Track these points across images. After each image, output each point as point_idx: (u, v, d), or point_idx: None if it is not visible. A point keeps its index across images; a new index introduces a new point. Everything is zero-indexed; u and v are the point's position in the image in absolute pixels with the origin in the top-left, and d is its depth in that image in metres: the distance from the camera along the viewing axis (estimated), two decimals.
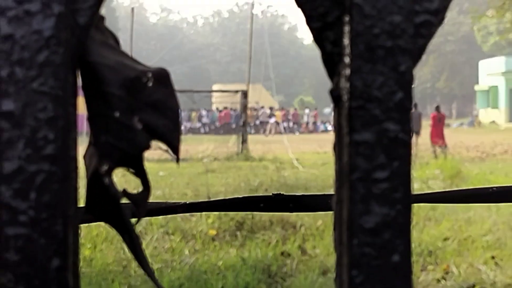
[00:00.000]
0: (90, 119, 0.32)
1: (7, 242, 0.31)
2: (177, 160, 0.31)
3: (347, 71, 0.32)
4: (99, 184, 0.31)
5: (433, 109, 14.67)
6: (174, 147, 0.31)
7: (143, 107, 0.31)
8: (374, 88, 0.32)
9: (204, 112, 29.17)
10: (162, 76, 0.31)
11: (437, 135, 13.47)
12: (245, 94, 14.94)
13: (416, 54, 0.33)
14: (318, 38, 0.33)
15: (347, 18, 0.32)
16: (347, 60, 0.32)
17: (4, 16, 0.31)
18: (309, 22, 0.33)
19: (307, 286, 3.84)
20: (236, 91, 16.48)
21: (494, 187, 0.49)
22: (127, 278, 3.84)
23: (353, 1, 0.31)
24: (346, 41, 0.32)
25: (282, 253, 4.59)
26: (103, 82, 0.31)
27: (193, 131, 27.79)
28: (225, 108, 28.02)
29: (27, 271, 0.31)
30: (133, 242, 0.32)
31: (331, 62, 0.33)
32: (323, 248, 4.68)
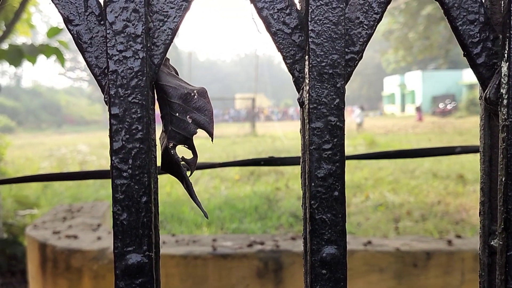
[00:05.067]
0: (162, 117, 0.53)
1: (116, 188, 0.53)
2: (212, 140, 0.53)
3: (307, 87, 0.54)
4: (168, 154, 0.53)
5: (359, 107, 24.06)
6: (210, 133, 0.53)
7: (192, 110, 0.52)
8: (323, 97, 0.54)
9: (232, 110, 46.26)
10: (202, 92, 0.53)
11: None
12: (253, 100, 25.06)
13: (347, 77, 0.55)
14: (290, 69, 0.55)
15: (306, 57, 0.54)
16: (307, 81, 0.54)
17: (112, 59, 0.52)
18: (284, 59, 0.55)
19: (289, 206, 6.45)
20: (249, 98, 28.09)
21: (393, 150, 0.73)
22: (191, 203, 6.22)
23: (310, 47, 0.53)
24: (306, 70, 0.54)
25: (276, 188, 7.73)
26: (168, 96, 0.53)
27: (225, 121, 43.18)
28: (246, 107, 41.66)
29: (127, 204, 0.53)
30: (188, 186, 0.54)
31: (298, 82, 0.56)
32: (298, 185, 7.51)
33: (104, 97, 0.53)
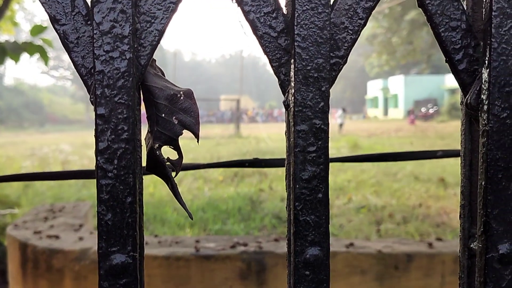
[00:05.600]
0: (148, 117, 0.53)
1: (101, 188, 0.53)
2: (198, 141, 0.54)
3: (292, 90, 0.54)
4: (153, 155, 0.53)
5: (341, 110, 25.42)
6: (196, 134, 0.53)
7: (178, 111, 0.53)
8: (308, 100, 0.54)
9: (216, 111, 46.94)
10: (188, 93, 0.53)
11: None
12: (238, 101, 24.61)
13: (331, 80, 0.56)
14: (276, 72, 0.56)
15: (292, 61, 0.55)
16: (292, 84, 0.54)
17: (98, 60, 0.52)
18: (271, 62, 0.56)
19: (272, 207, 6.40)
20: (233, 99, 27.58)
21: (376, 153, 0.75)
22: (174, 204, 6.33)
23: (295, 51, 0.54)
24: (292, 73, 0.55)
25: (259, 189, 7.62)
26: (154, 96, 0.53)
27: (210, 121, 43.15)
28: (231, 108, 41.79)
29: (112, 204, 0.53)
30: (173, 187, 0.54)
31: (284, 85, 0.56)
32: (282, 186, 7.68)
33: (90, 97, 0.53)
